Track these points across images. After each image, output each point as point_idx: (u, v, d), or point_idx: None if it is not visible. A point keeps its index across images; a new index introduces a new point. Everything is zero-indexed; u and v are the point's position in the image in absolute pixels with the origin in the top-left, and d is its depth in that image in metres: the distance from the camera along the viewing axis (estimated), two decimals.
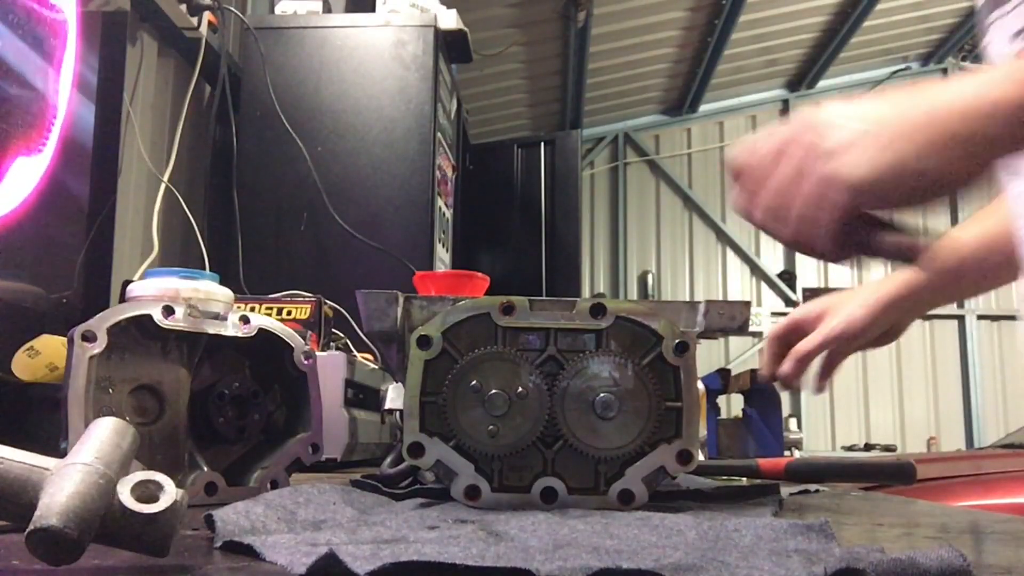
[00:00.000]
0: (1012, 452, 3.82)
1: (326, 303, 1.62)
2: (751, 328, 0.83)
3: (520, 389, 0.72)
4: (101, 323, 0.72)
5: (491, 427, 0.72)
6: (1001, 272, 0.98)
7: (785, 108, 8.17)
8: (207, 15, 2.42)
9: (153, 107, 2.35)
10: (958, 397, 7.85)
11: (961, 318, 7.86)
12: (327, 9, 2.67)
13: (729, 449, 2.09)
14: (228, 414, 0.82)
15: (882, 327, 1.06)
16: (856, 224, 0.61)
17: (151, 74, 2.33)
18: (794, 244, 0.65)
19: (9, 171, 1.29)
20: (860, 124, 0.60)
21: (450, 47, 2.68)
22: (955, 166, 0.58)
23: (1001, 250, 0.94)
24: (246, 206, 2.44)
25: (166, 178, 2.24)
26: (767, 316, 7.80)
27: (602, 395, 0.72)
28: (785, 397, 7.38)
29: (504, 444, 0.72)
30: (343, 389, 1.37)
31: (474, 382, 0.72)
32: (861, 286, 1.10)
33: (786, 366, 1.07)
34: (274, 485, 0.81)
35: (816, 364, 1.08)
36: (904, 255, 0.62)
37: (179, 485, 0.47)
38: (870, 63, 7.80)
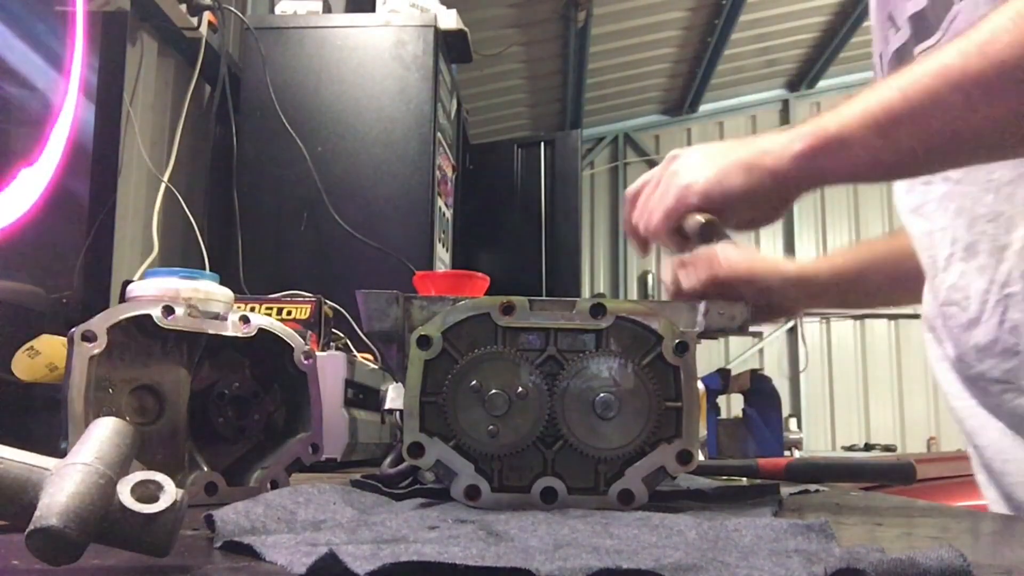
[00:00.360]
0: None
1: (326, 303, 1.61)
2: (751, 328, 0.83)
3: (520, 389, 0.72)
4: (101, 323, 0.72)
5: (491, 427, 0.72)
6: (891, 291, 1.15)
7: (785, 108, 8.16)
8: (207, 15, 2.42)
9: (153, 107, 2.35)
10: None
11: None
12: (327, 9, 2.66)
13: (729, 449, 2.09)
14: (228, 414, 0.82)
15: (764, 291, 1.04)
16: (684, 219, 0.86)
17: (151, 74, 2.33)
18: (651, 235, 0.89)
19: (12, 180, 1.29)
20: (701, 154, 0.86)
21: (450, 47, 2.68)
22: (761, 188, 0.82)
23: (883, 271, 1.15)
24: (246, 206, 2.44)
25: (166, 178, 2.24)
26: None
27: (602, 395, 0.72)
28: (785, 397, 7.40)
29: (504, 444, 0.72)
30: (343, 389, 1.37)
31: (474, 382, 0.72)
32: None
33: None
34: (274, 485, 0.81)
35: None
36: (706, 235, 0.86)
37: (179, 485, 0.46)
38: (870, 63, 7.77)
